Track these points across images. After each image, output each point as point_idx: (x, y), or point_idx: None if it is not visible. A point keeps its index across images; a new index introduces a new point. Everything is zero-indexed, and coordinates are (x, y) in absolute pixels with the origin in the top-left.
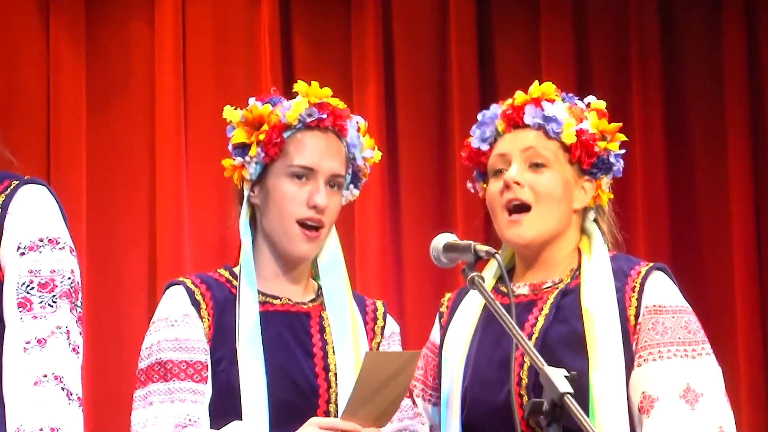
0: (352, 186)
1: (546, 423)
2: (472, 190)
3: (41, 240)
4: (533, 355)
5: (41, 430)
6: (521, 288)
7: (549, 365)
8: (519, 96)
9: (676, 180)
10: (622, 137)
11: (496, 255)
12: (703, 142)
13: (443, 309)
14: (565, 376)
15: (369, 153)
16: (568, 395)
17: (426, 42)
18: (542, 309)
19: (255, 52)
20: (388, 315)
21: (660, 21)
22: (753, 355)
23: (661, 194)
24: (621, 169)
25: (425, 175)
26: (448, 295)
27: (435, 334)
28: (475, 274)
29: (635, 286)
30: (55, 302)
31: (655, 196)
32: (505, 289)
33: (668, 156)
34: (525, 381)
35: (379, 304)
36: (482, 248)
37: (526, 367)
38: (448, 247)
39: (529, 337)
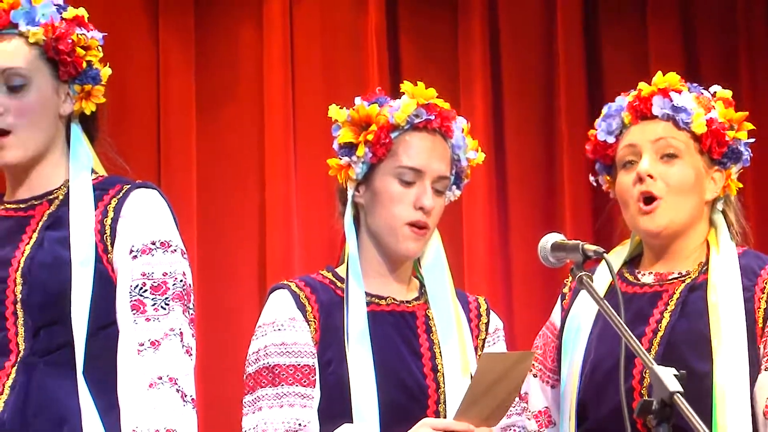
0: (454, 187)
1: (655, 422)
2: (595, 184)
3: (153, 243)
4: (642, 353)
5: (157, 431)
6: (646, 276)
7: (673, 365)
8: (645, 87)
9: None
10: (750, 126)
11: (605, 255)
12: None
13: (566, 290)
14: (675, 375)
15: (473, 154)
16: (678, 394)
17: (533, 42)
18: (668, 304)
19: (362, 54)
20: (491, 311)
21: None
22: None
23: None
24: (749, 158)
25: (533, 175)
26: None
27: (556, 316)
28: (583, 273)
29: (765, 287)
30: (167, 304)
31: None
32: (630, 277)
33: None
34: (648, 380)
35: (482, 300)
36: (590, 248)
37: None
38: (556, 247)
39: (654, 332)
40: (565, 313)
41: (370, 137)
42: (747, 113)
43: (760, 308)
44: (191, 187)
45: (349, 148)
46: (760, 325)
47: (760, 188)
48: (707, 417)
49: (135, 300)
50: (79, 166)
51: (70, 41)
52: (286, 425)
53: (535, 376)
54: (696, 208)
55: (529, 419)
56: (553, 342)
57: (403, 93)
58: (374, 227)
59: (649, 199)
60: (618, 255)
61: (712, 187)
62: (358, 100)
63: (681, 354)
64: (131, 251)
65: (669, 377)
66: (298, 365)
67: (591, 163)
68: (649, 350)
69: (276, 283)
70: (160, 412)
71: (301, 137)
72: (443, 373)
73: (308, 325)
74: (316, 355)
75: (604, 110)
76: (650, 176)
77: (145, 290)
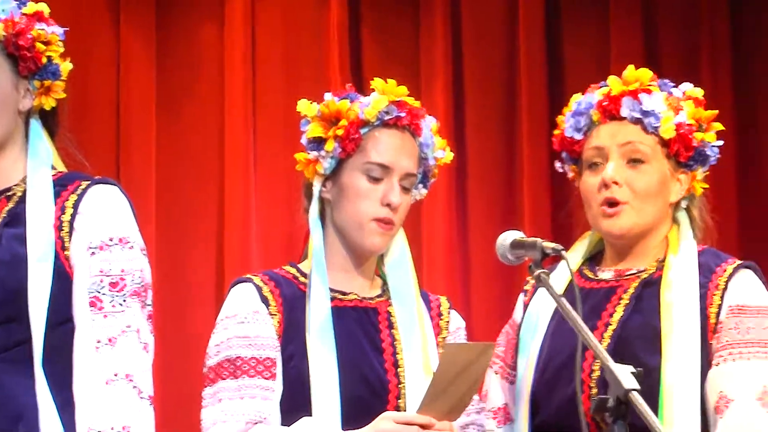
0: (420, 186)
1: (611, 420)
2: (561, 170)
3: (111, 239)
4: (599, 351)
5: (112, 429)
6: (605, 272)
7: (624, 359)
8: (615, 85)
9: (745, 173)
10: (720, 126)
11: (563, 252)
12: None
13: (528, 287)
14: (632, 373)
15: (441, 153)
16: (634, 392)
17: (494, 40)
18: (621, 298)
19: (324, 51)
20: (452, 310)
21: (731, 15)
22: None
23: (730, 187)
24: (716, 159)
25: (492, 173)
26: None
27: (517, 312)
28: (541, 270)
29: (719, 284)
30: (125, 301)
31: (724, 189)
32: (589, 273)
33: (738, 150)
34: (596, 373)
35: (443, 299)
36: (549, 245)
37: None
38: (515, 245)
39: (606, 326)
40: (526, 309)
41: (339, 132)
42: (717, 112)
43: (712, 305)
44: (150, 185)
45: (318, 143)
46: (713, 322)
47: (718, 186)
48: (655, 412)
49: (92, 297)
50: (38, 162)
51: (30, 36)
52: (246, 417)
53: (496, 373)
54: (660, 210)
55: (487, 418)
56: (513, 338)
57: (372, 90)
58: (340, 222)
59: (613, 203)
60: (577, 252)
61: (678, 189)
62: (328, 96)
63: (632, 348)
64: (89, 247)
65: (625, 375)
66: (260, 358)
67: (557, 152)
68: (599, 343)
69: (238, 277)
70: (115, 409)
71: (261, 135)
72: (404, 369)
73: (272, 318)
74: (278, 348)
75: (573, 105)
76: (615, 183)
77: (103, 287)
